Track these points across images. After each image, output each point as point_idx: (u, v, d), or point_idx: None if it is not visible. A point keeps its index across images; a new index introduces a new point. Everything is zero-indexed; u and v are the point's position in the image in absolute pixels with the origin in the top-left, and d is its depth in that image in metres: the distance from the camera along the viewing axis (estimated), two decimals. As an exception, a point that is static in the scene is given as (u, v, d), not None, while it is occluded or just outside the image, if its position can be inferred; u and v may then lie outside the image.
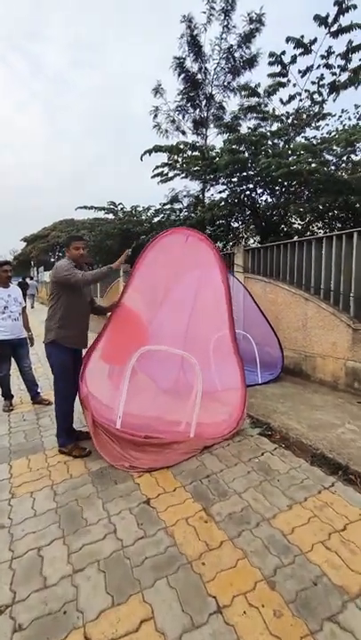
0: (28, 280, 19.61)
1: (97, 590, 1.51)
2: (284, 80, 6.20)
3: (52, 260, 30.37)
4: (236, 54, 9.42)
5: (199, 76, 9.86)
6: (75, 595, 1.50)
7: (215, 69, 9.70)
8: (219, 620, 1.35)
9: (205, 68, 9.78)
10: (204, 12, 9.20)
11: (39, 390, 3.98)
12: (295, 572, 1.56)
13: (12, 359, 3.79)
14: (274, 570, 1.57)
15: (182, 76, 9.86)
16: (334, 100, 6.58)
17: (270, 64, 6.08)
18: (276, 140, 6.55)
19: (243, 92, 6.61)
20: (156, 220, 11.88)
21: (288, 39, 5.75)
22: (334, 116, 6.72)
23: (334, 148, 5.50)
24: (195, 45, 9.48)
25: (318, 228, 7.81)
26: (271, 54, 5.95)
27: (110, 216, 13.55)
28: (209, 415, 2.99)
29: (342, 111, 6.68)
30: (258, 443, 2.82)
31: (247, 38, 9.05)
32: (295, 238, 6.53)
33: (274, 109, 6.47)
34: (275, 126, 6.57)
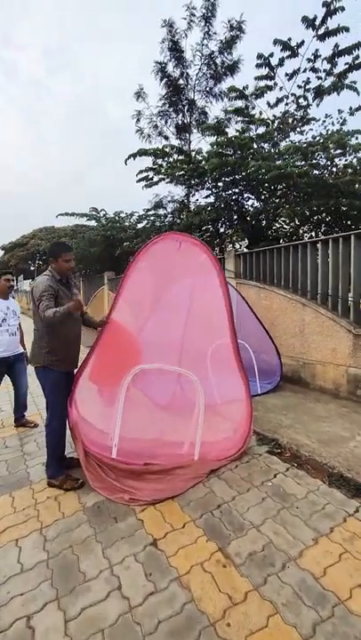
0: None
1: (103, 670, 1.23)
2: (271, 83, 6.17)
3: (32, 267, 29.50)
4: (218, 60, 9.44)
5: (181, 82, 9.81)
6: None
7: (197, 75, 9.68)
8: None
9: (187, 74, 9.75)
10: (185, 19, 9.18)
11: (25, 412, 3.63)
12: (337, 628, 1.33)
13: (7, 377, 3.44)
14: (313, 627, 1.34)
15: (164, 80, 9.78)
16: (318, 105, 6.62)
17: (258, 66, 6.03)
18: (262, 144, 6.48)
19: (230, 95, 6.53)
20: (140, 226, 11.66)
21: (275, 41, 5.72)
22: (318, 120, 6.75)
23: (330, 146, 5.45)
24: (176, 51, 9.43)
25: (304, 232, 7.80)
26: (259, 56, 5.90)
27: (93, 223, 13.21)
28: (212, 433, 2.75)
29: (326, 116, 6.72)
30: (268, 462, 2.60)
31: (228, 45, 9.08)
32: (282, 242, 6.47)
33: (261, 112, 6.43)
34: (261, 130, 6.51)
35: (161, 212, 10.06)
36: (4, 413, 3.97)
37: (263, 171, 5.30)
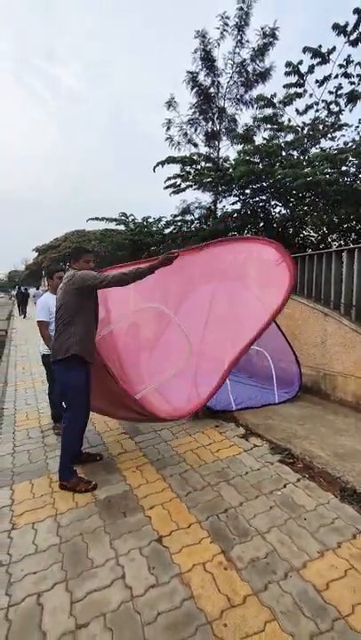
0: (35, 289, 20.06)
1: (103, 653, 1.31)
2: (301, 90, 6.13)
3: (62, 266, 30.67)
4: (249, 68, 9.47)
5: (212, 90, 9.93)
6: (77, 657, 1.29)
7: (228, 83, 9.75)
8: None
9: (218, 82, 9.85)
10: (218, 28, 9.31)
11: None
12: (335, 641, 1.33)
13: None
14: (310, 638, 1.34)
15: (195, 89, 9.94)
16: (351, 111, 6.48)
17: (287, 74, 6.02)
18: (291, 151, 6.43)
19: (258, 103, 6.56)
20: (167, 231, 11.86)
21: (305, 49, 5.69)
22: (351, 126, 6.59)
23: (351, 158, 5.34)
24: (208, 60, 9.57)
25: (333, 241, 7.60)
26: (288, 64, 5.89)
27: (121, 227, 13.60)
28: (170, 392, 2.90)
29: (359, 121, 6.56)
30: (279, 472, 2.58)
31: (260, 52, 9.08)
32: (309, 251, 6.35)
33: (289, 120, 6.40)
34: (290, 137, 6.47)
35: (188, 217, 10.20)
36: (29, 407, 4.19)
37: (290, 178, 5.27)
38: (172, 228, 11.34)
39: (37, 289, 26.62)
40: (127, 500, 2.25)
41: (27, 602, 1.53)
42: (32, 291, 23.39)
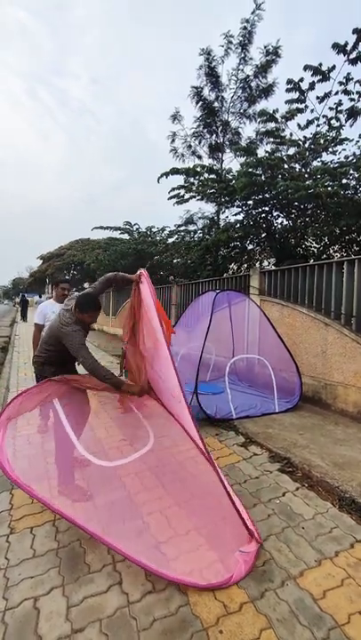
0: (38, 297, 20.80)
1: (98, 658, 1.31)
2: (302, 106, 6.30)
3: (67, 277, 30.95)
4: (253, 84, 9.73)
5: (216, 104, 10.19)
6: (72, 662, 1.29)
7: (232, 98, 10.02)
8: None
9: (222, 97, 10.11)
10: (222, 46, 9.61)
11: None
12: (331, 650, 1.32)
13: None
14: (305, 646, 1.34)
15: (200, 104, 10.21)
16: (351, 126, 6.62)
17: (288, 90, 6.19)
18: (293, 164, 6.56)
19: (260, 118, 6.73)
20: (170, 240, 12.01)
21: (306, 67, 5.87)
22: (352, 140, 6.73)
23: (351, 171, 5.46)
24: (212, 76, 9.85)
25: (335, 252, 7.68)
26: (289, 81, 6.07)
27: (125, 236, 13.80)
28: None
29: (360, 136, 6.70)
30: (278, 480, 2.58)
31: (263, 69, 9.35)
32: (311, 261, 6.41)
33: (291, 134, 6.54)
34: (291, 151, 6.61)
35: (191, 227, 10.36)
36: (30, 413, 4.21)
37: (292, 190, 5.37)
38: (175, 237, 11.50)
39: (40, 297, 26.97)
40: (125, 508, 2.25)
41: (23, 606, 1.54)
42: (36, 298, 23.87)
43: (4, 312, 32.80)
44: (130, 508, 2.21)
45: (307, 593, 1.58)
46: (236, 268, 9.31)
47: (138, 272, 2.68)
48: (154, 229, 13.52)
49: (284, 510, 2.21)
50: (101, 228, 13.48)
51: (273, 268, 6.96)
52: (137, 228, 13.79)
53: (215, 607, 1.51)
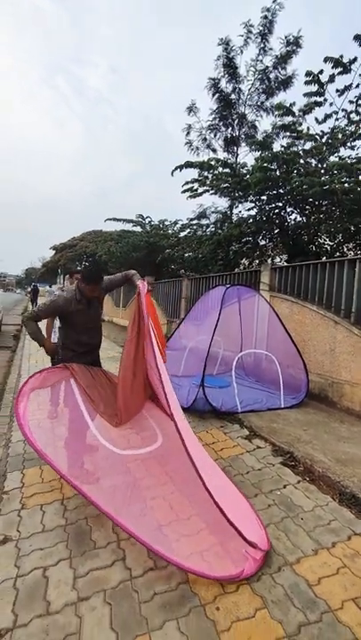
0: (48, 287, 21.48)
1: (102, 625, 1.40)
2: (321, 99, 6.17)
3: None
4: (272, 75, 9.54)
5: (233, 96, 10.05)
6: (78, 627, 1.39)
7: (249, 90, 9.85)
8: None
9: (239, 89, 9.96)
10: (241, 36, 9.43)
11: None
12: (323, 632, 1.38)
13: None
14: (298, 627, 1.40)
15: (216, 96, 10.08)
16: (372, 121, 6.46)
17: (307, 83, 6.07)
18: (309, 159, 6.47)
19: (277, 111, 6.62)
20: (182, 234, 12.00)
21: (326, 59, 5.74)
22: (372, 136, 6.57)
23: None
24: (230, 67, 9.70)
25: (348, 250, 7.57)
26: (308, 73, 5.94)
27: (138, 229, 13.85)
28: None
29: (380, 131, 6.52)
30: (280, 473, 2.63)
31: (283, 60, 9.15)
32: (324, 259, 6.35)
33: (308, 128, 6.42)
34: (308, 145, 6.50)
35: (204, 221, 10.32)
36: (41, 398, 4.35)
37: (306, 186, 5.31)
38: (187, 231, 11.48)
39: (50, 287, 27.45)
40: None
41: (34, 574, 1.64)
42: (47, 288, 24.48)
43: (16, 301, 33.42)
44: (134, 491, 2.30)
45: (302, 579, 1.64)
46: (247, 263, 9.28)
47: (139, 283, 2.63)
48: (166, 222, 13.52)
49: (284, 501, 2.26)
50: (114, 219, 13.55)
51: (284, 264, 6.91)
52: (149, 221, 13.82)
53: (213, 586, 1.59)
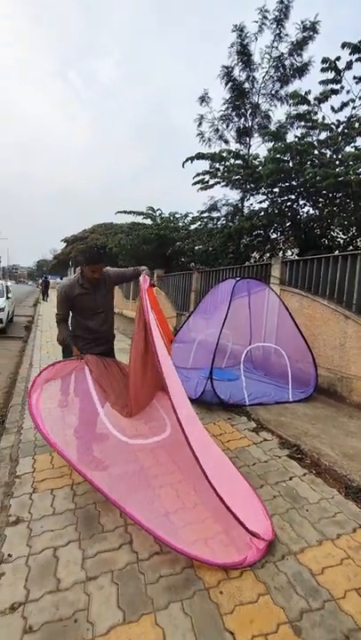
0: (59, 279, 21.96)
1: (109, 603, 1.45)
2: (338, 87, 5.98)
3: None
4: (287, 62, 9.30)
5: (246, 85, 9.85)
6: (86, 603, 1.45)
7: (263, 78, 9.64)
8: (236, 660, 1.24)
9: (253, 77, 9.75)
10: (256, 22, 9.19)
11: None
12: (325, 619, 1.40)
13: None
14: (300, 613, 1.42)
15: (229, 84, 9.89)
16: (391, 110, 6.25)
17: (323, 70, 5.88)
18: (323, 150, 6.31)
19: (292, 100, 6.46)
20: (193, 227, 11.92)
21: (344, 45, 5.54)
22: (390, 125, 6.36)
23: None
24: (244, 54, 9.49)
25: (363, 243, 7.41)
26: (325, 60, 5.76)
27: (148, 221, 13.81)
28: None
29: None
30: (286, 465, 2.65)
31: (299, 46, 8.90)
32: (336, 252, 6.23)
33: (323, 117, 6.24)
34: (323, 135, 6.34)
35: (215, 214, 10.23)
36: (52, 387, 4.45)
37: (320, 178, 5.20)
38: (198, 223, 11.40)
39: (61, 279, 27.85)
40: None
41: (44, 553, 1.71)
42: (57, 280, 24.93)
43: (28, 292, 33.93)
44: (142, 479, 2.34)
45: (305, 568, 1.66)
46: (258, 256, 9.18)
47: (140, 278, 2.58)
48: (177, 215, 13.44)
49: (289, 493, 2.28)
50: (125, 212, 13.54)
51: (296, 258, 6.82)
52: (160, 214, 13.76)
53: (217, 572, 1.62)
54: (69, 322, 2.70)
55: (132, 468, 2.43)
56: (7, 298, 9.44)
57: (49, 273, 41.68)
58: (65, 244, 37.68)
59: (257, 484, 2.37)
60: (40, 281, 27.52)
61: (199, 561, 1.65)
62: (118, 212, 13.64)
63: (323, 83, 6.10)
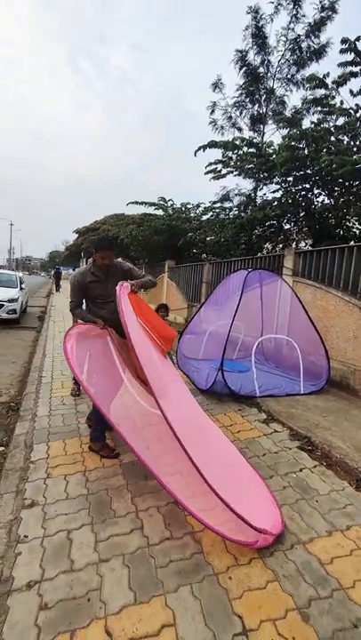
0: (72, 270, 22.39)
1: (120, 584, 1.50)
2: (357, 69, 5.71)
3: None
4: (303, 45, 8.98)
5: (261, 70, 9.57)
6: (99, 584, 1.50)
7: (279, 61, 9.33)
8: (244, 643, 1.27)
9: (268, 61, 9.46)
10: (272, 2, 8.86)
11: None
12: (333, 608, 1.41)
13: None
14: (308, 601, 1.44)
15: (243, 69, 9.63)
16: None
17: (342, 52, 5.62)
18: (340, 136, 6.09)
19: (308, 84, 6.23)
20: (205, 217, 11.79)
21: (365, 25, 5.29)
22: None
23: None
24: (259, 37, 9.20)
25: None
26: (344, 40, 5.49)
27: (160, 212, 13.72)
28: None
29: None
30: (296, 457, 2.64)
31: (317, 27, 8.56)
32: (352, 243, 6.06)
33: (342, 102, 6.00)
34: (341, 121, 6.11)
35: (227, 204, 10.07)
36: (64, 377, 4.54)
37: (336, 166, 5.03)
38: (209, 214, 11.26)
39: (73, 270, 28.13)
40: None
41: (59, 535, 1.77)
42: (69, 271, 25.23)
43: (40, 283, 34.41)
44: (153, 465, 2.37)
45: (314, 557, 1.67)
46: (270, 247, 9.03)
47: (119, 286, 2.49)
48: (189, 206, 13.30)
49: (299, 484, 2.28)
50: (136, 202, 13.48)
51: (309, 248, 6.67)
52: (171, 204, 13.64)
53: (226, 558, 1.65)
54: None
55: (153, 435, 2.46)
56: (21, 289, 9.59)
57: (61, 264, 42.10)
58: (77, 236, 37.86)
59: (267, 474, 2.38)
60: (52, 272, 27.88)
61: (218, 533, 1.68)
62: (130, 202, 13.59)
63: (341, 65, 5.84)
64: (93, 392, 2.16)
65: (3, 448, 2.77)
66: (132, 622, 1.33)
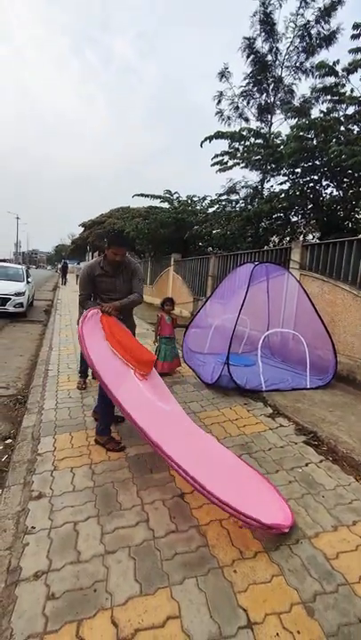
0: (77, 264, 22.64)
1: (126, 576, 1.51)
2: (368, 56, 5.56)
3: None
4: (313, 31, 8.72)
5: (269, 58, 9.33)
6: (105, 575, 1.51)
7: (288, 49, 9.09)
8: (249, 636, 1.27)
9: (277, 48, 9.22)
10: (281, -13, 8.60)
11: None
12: (338, 602, 1.41)
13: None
14: (313, 595, 1.44)
15: (251, 57, 9.40)
16: None
17: (353, 37, 5.45)
18: (350, 126, 5.94)
19: (318, 72, 6.06)
20: (211, 210, 11.67)
21: (378, 9, 5.11)
22: None
23: None
24: (267, 23, 8.95)
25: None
26: (356, 25, 5.31)
27: (166, 205, 13.61)
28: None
29: None
30: (302, 452, 2.63)
31: (327, 12, 8.29)
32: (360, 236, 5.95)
33: (352, 90, 5.83)
34: (351, 110, 5.95)
35: (233, 197, 9.95)
36: (70, 370, 4.57)
37: (345, 156, 4.91)
38: (216, 207, 11.14)
39: (79, 263, 28.25)
40: (154, 460, 2.44)
41: (65, 527, 1.79)
42: (76, 265, 25.34)
43: (47, 277, 34.60)
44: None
45: (320, 552, 1.67)
46: (277, 240, 8.93)
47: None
48: (195, 198, 13.17)
49: (305, 479, 2.27)
50: (142, 195, 13.38)
51: (317, 241, 6.57)
52: (177, 197, 13.51)
53: (232, 551, 1.66)
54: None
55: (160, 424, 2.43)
56: (27, 282, 9.65)
57: (67, 258, 42.25)
58: (83, 229, 37.85)
59: (272, 469, 2.38)
60: (59, 266, 28.01)
61: (236, 511, 1.61)
62: (135, 194, 13.50)
63: (352, 51, 5.67)
64: (102, 376, 2.15)
65: (10, 440, 2.80)
66: (138, 613, 1.35)
